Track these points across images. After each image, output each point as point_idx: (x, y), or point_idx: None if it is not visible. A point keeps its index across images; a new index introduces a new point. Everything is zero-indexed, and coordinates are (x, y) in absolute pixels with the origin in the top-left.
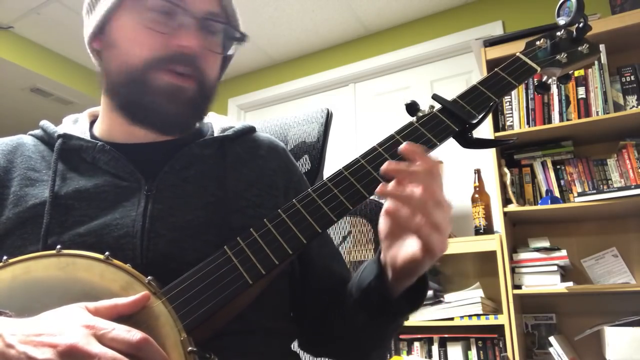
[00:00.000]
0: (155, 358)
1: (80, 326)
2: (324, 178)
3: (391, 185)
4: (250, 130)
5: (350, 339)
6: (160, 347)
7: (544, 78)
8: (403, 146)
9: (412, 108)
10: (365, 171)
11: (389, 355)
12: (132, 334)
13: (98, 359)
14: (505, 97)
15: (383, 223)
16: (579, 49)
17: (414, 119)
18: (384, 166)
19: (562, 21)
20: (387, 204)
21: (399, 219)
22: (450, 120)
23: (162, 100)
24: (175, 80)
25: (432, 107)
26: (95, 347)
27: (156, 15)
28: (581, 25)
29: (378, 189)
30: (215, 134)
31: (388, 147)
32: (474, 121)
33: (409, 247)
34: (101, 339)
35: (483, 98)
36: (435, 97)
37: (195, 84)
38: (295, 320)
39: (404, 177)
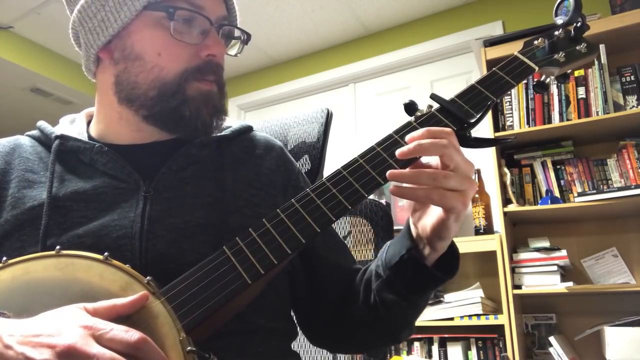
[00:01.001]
0: (154, 358)
1: (79, 327)
2: (323, 178)
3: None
4: (247, 129)
5: (378, 324)
6: (159, 347)
7: (543, 77)
8: (408, 137)
9: (410, 108)
10: (364, 170)
11: (389, 355)
12: (131, 334)
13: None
14: (506, 97)
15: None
16: (577, 48)
17: (412, 118)
18: (399, 151)
19: (560, 20)
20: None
21: (404, 197)
22: (449, 120)
23: (198, 108)
24: (206, 86)
25: (430, 106)
26: (94, 348)
27: (180, 25)
28: (579, 24)
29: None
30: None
31: (386, 147)
32: (472, 120)
33: (434, 211)
34: (99, 339)
35: (481, 97)
36: (434, 97)
37: (217, 86)
38: (307, 318)
39: (419, 153)
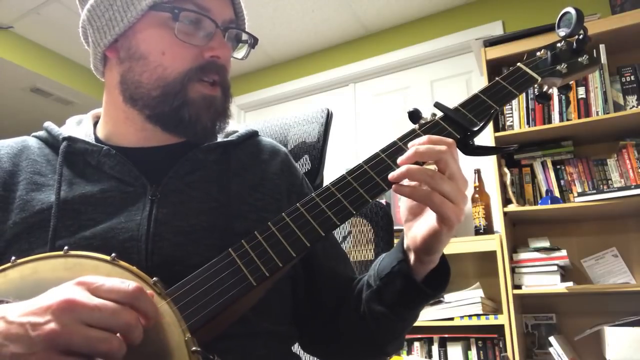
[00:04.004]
0: (149, 308)
1: (73, 285)
2: (328, 183)
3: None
4: (253, 134)
5: (365, 335)
6: (164, 347)
7: (545, 88)
8: (410, 144)
9: (414, 116)
10: (368, 176)
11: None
12: (127, 284)
13: (98, 310)
14: None
15: (401, 208)
16: (579, 59)
17: (416, 126)
18: (400, 159)
19: (562, 32)
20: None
21: (405, 194)
22: (452, 128)
23: (199, 112)
24: (209, 91)
25: (434, 114)
26: (94, 299)
27: (185, 26)
28: (581, 37)
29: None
30: (219, 139)
31: (390, 154)
32: (475, 129)
33: (427, 221)
34: (96, 291)
35: (484, 106)
36: (437, 105)
37: (221, 91)
38: (302, 323)
39: (416, 159)
